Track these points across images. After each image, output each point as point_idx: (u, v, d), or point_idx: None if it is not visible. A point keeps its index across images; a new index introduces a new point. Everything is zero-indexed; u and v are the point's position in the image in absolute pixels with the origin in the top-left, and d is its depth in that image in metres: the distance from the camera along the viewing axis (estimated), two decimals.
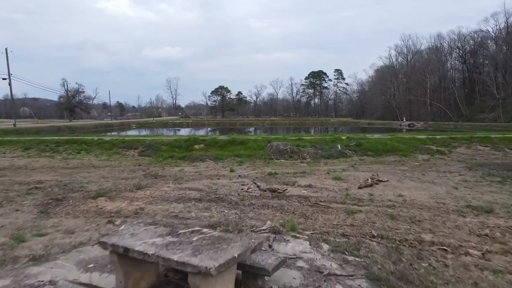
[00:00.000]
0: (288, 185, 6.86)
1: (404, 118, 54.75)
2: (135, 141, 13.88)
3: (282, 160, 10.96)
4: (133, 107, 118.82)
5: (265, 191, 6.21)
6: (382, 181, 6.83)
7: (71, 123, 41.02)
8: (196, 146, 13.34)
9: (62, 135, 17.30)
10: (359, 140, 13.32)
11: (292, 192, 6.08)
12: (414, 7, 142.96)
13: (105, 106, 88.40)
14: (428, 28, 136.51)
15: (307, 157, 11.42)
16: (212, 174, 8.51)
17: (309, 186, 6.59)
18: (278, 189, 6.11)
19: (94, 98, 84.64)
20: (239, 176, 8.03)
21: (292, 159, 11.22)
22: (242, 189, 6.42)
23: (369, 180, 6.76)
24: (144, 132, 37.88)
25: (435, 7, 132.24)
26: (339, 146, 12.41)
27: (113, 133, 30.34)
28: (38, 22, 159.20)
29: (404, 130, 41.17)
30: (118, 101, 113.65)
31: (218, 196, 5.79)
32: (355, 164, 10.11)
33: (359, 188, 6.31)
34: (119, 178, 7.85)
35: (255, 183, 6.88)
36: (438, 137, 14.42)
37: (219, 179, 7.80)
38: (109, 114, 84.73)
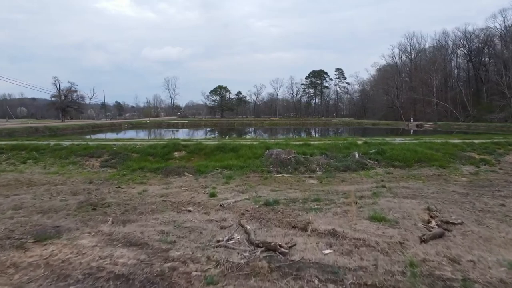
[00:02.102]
0: (296, 228, 4.17)
1: (412, 118, 52.19)
2: (100, 147, 11.14)
3: (285, 175, 8.25)
4: (132, 107, 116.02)
5: (258, 247, 3.52)
6: (452, 223, 4.13)
7: (54, 124, 38.21)
8: (176, 154, 10.63)
9: (10, 140, 14.48)
10: (380, 146, 10.61)
11: (306, 251, 3.38)
12: (414, 7, 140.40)
13: (103, 106, 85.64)
14: (429, 28, 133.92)
15: (317, 169, 8.73)
16: (183, 200, 5.81)
17: (333, 234, 3.89)
18: (281, 246, 3.41)
19: (91, 98, 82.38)
20: (220, 206, 5.33)
21: (297, 172, 8.53)
22: (218, 241, 3.72)
23: (433, 223, 4.06)
24: (141, 134, 35.53)
25: (435, 8, 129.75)
26: (357, 154, 9.70)
27: (92, 136, 27.64)
28: (38, 22, 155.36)
29: (411, 131, 38.61)
30: (116, 101, 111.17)
31: (167, 266, 3.07)
32: (383, 181, 7.42)
33: (423, 241, 3.61)
34: (36, 211, 5.13)
35: (242, 226, 4.19)
36: (476, 141, 11.70)
37: (189, 211, 5.11)
38: (107, 114, 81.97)
